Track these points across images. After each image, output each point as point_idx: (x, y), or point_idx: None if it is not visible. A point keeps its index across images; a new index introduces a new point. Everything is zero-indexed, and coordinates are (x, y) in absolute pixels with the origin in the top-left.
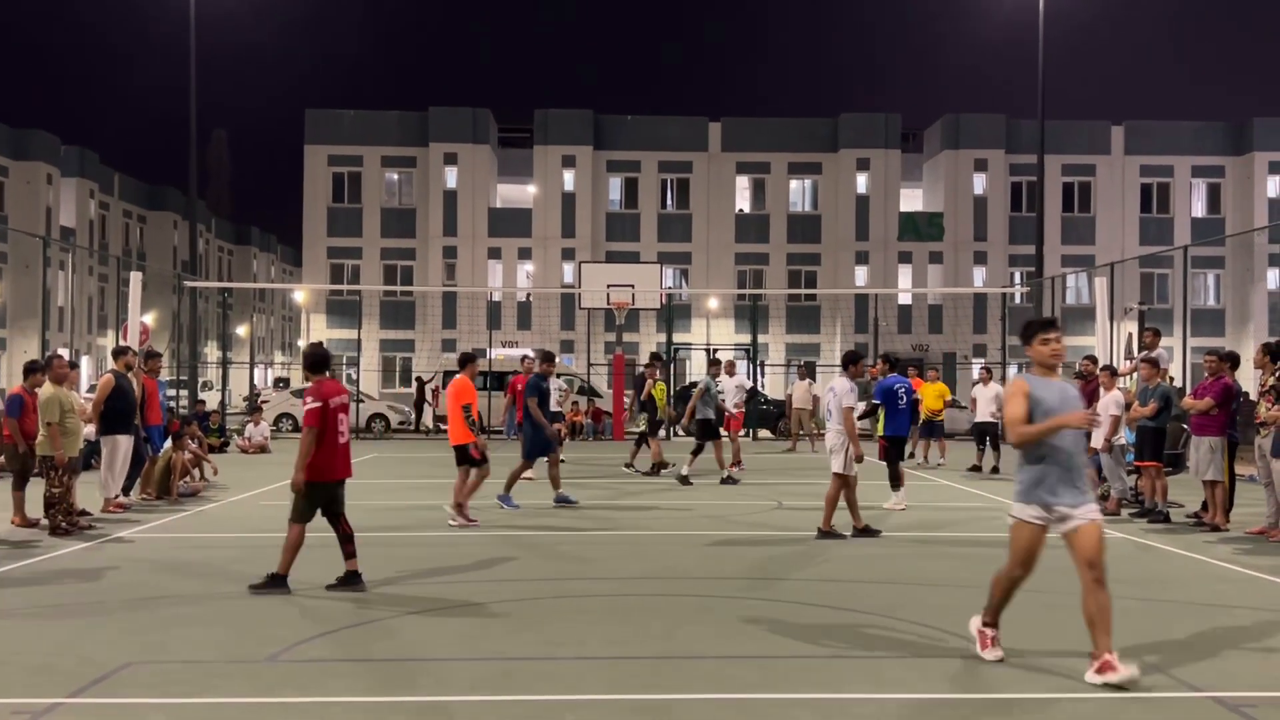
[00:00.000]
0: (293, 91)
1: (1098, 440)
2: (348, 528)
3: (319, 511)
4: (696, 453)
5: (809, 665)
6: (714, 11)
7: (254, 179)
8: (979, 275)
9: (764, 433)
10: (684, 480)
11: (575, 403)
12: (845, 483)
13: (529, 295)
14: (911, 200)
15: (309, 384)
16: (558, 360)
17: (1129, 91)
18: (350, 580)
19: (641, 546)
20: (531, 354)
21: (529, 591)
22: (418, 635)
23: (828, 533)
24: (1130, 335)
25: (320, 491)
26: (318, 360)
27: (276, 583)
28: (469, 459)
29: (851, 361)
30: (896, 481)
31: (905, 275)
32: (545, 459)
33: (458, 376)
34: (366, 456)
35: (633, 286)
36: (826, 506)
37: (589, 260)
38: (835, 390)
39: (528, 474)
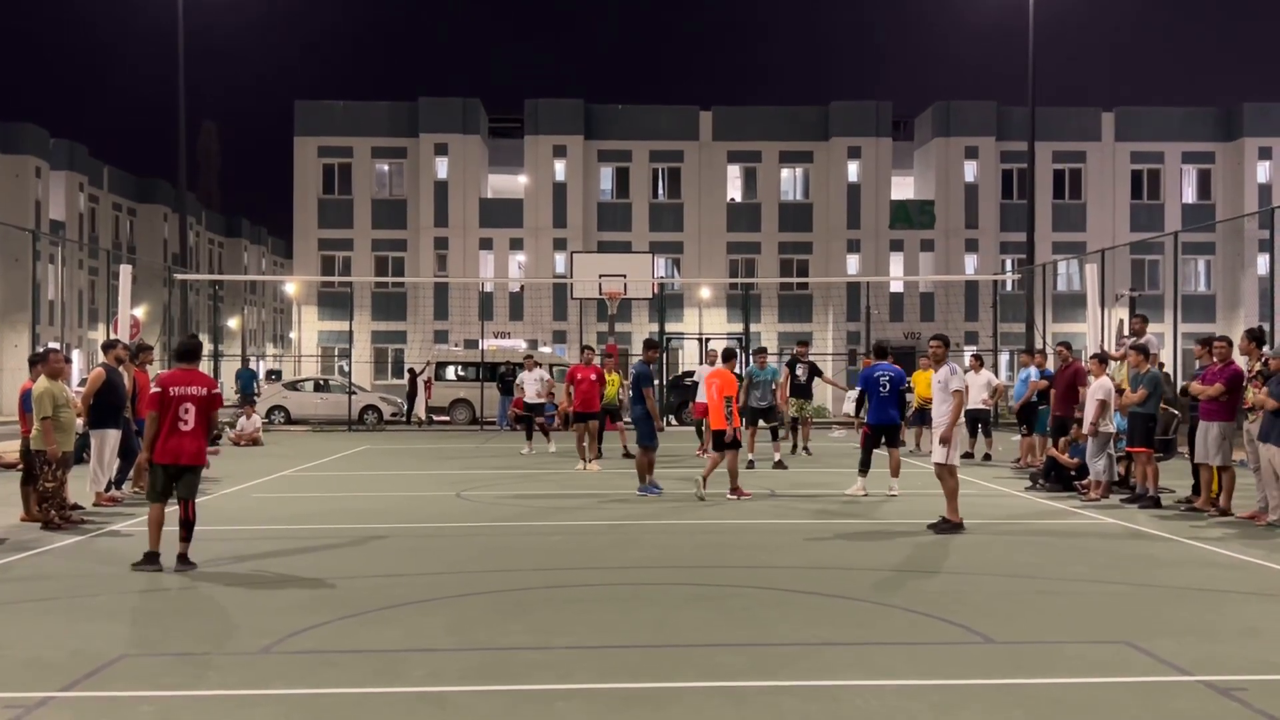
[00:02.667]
0: (282, 83)
1: (1085, 425)
2: (189, 514)
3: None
4: (776, 437)
5: (799, 653)
6: None
7: (244, 171)
8: (970, 263)
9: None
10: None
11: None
12: (950, 472)
13: (521, 286)
14: (903, 188)
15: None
16: (549, 350)
17: (1119, 78)
18: (180, 561)
19: (633, 535)
20: (594, 346)
21: (520, 581)
22: (410, 626)
23: (957, 525)
24: (1122, 321)
25: (163, 472)
26: (184, 351)
27: (150, 560)
28: (725, 444)
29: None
30: (864, 468)
31: (897, 263)
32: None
33: (719, 368)
34: (358, 449)
35: (625, 276)
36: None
37: (581, 250)
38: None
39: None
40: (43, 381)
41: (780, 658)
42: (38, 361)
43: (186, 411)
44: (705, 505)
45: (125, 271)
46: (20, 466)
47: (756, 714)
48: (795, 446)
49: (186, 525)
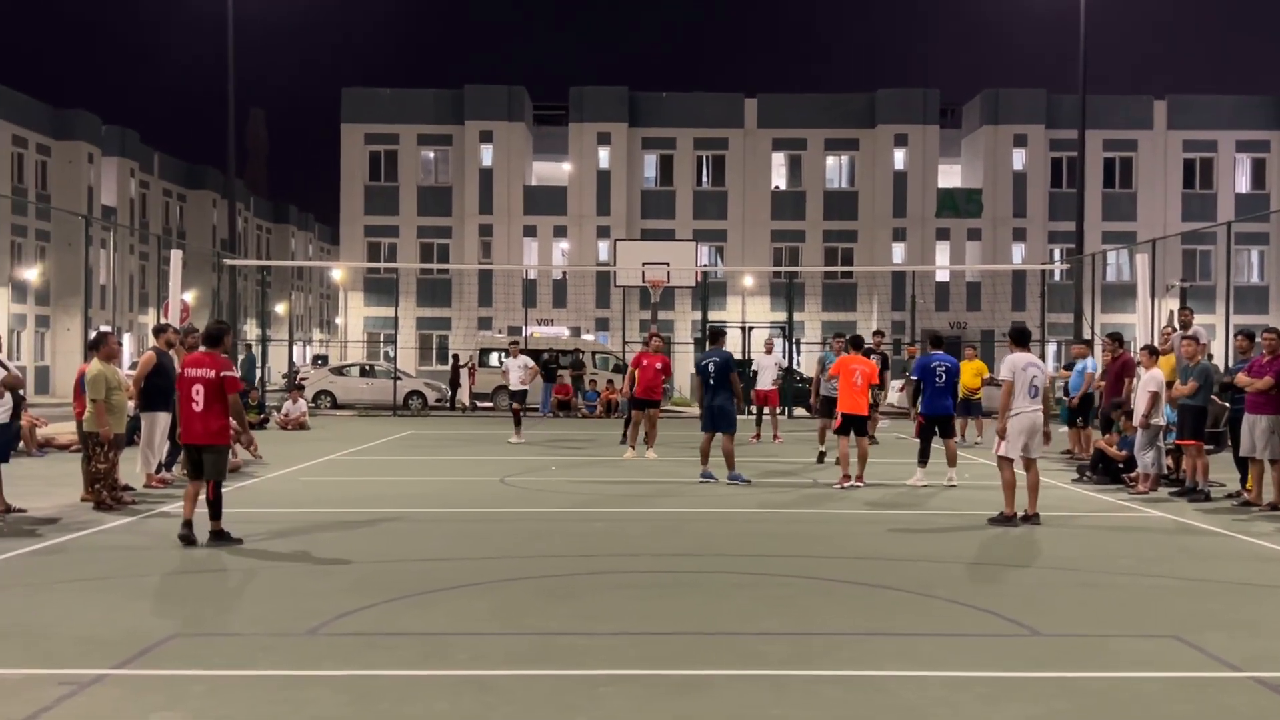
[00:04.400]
0: (329, 70)
1: (1135, 418)
2: (209, 493)
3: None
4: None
5: (843, 643)
6: None
7: (292, 158)
8: (1018, 252)
9: (799, 410)
10: (821, 458)
11: (610, 381)
12: (1003, 464)
13: (564, 273)
14: (950, 176)
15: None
16: (592, 338)
17: (1172, 65)
18: (213, 538)
19: (677, 524)
20: (656, 328)
21: (565, 567)
22: (455, 609)
23: (1009, 517)
24: (1171, 313)
25: (189, 451)
26: (207, 335)
27: (184, 527)
28: (865, 428)
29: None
30: (923, 458)
31: (943, 252)
32: (720, 433)
33: (854, 354)
34: (403, 434)
35: (668, 264)
36: (1029, 492)
37: (624, 238)
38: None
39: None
40: (96, 364)
41: (823, 647)
42: (96, 345)
43: (198, 393)
44: (743, 492)
45: (176, 257)
46: (76, 447)
47: (797, 702)
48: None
49: (209, 505)
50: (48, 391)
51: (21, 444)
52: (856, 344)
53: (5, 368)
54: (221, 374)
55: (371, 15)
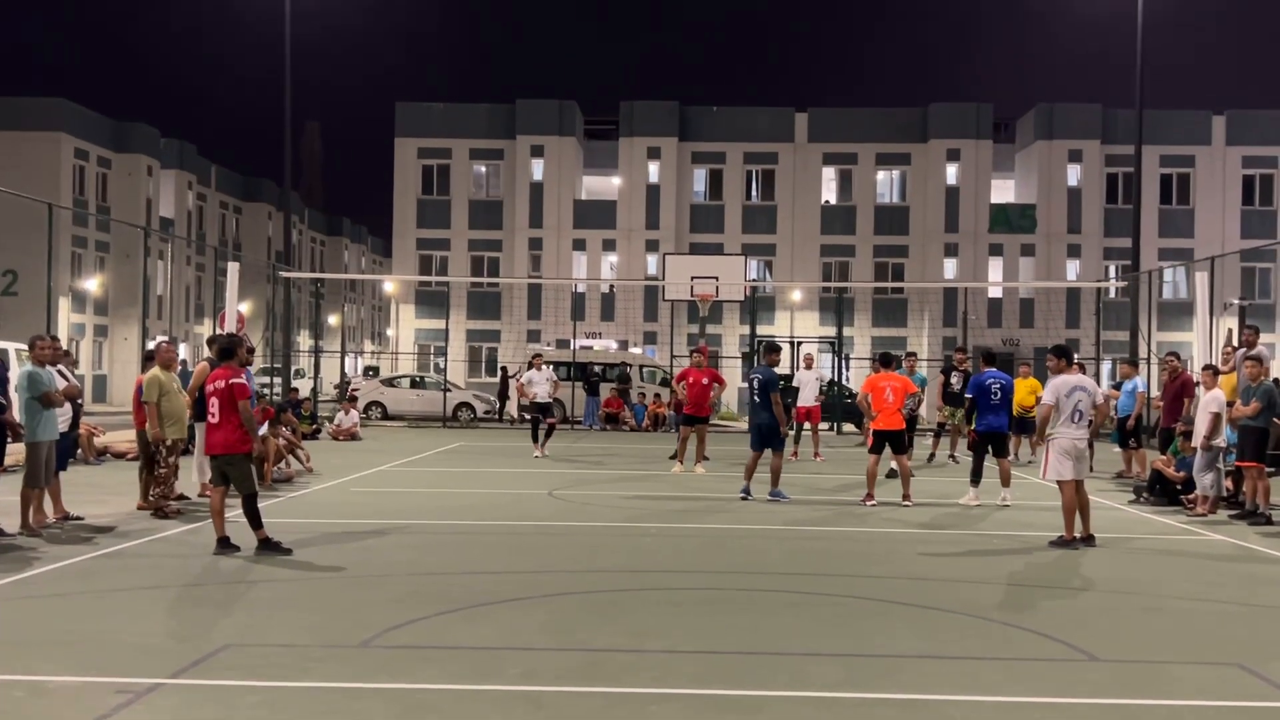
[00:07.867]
0: (383, 85)
1: (1195, 439)
2: (244, 505)
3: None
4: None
5: (897, 665)
6: None
7: (346, 171)
8: (1072, 268)
9: (849, 426)
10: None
11: (658, 395)
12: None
13: (612, 287)
14: (1003, 192)
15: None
16: (640, 351)
17: (1232, 80)
18: (261, 546)
19: (726, 540)
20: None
21: (614, 583)
22: (506, 623)
23: (1068, 541)
24: (1230, 331)
25: (211, 462)
26: (219, 350)
27: (220, 545)
28: (902, 445)
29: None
30: (976, 477)
31: (996, 268)
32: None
33: (887, 372)
34: (452, 445)
35: (716, 278)
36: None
37: (673, 252)
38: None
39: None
40: (155, 370)
41: (875, 669)
42: (150, 357)
43: (214, 405)
44: (790, 510)
45: (233, 269)
46: (133, 456)
47: None
48: (933, 456)
49: (247, 516)
50: (105, 400)
51: (80, 452)
52: (885, 361)
53: (66, 378)
54: (229, 381)
55: (426, 30)
